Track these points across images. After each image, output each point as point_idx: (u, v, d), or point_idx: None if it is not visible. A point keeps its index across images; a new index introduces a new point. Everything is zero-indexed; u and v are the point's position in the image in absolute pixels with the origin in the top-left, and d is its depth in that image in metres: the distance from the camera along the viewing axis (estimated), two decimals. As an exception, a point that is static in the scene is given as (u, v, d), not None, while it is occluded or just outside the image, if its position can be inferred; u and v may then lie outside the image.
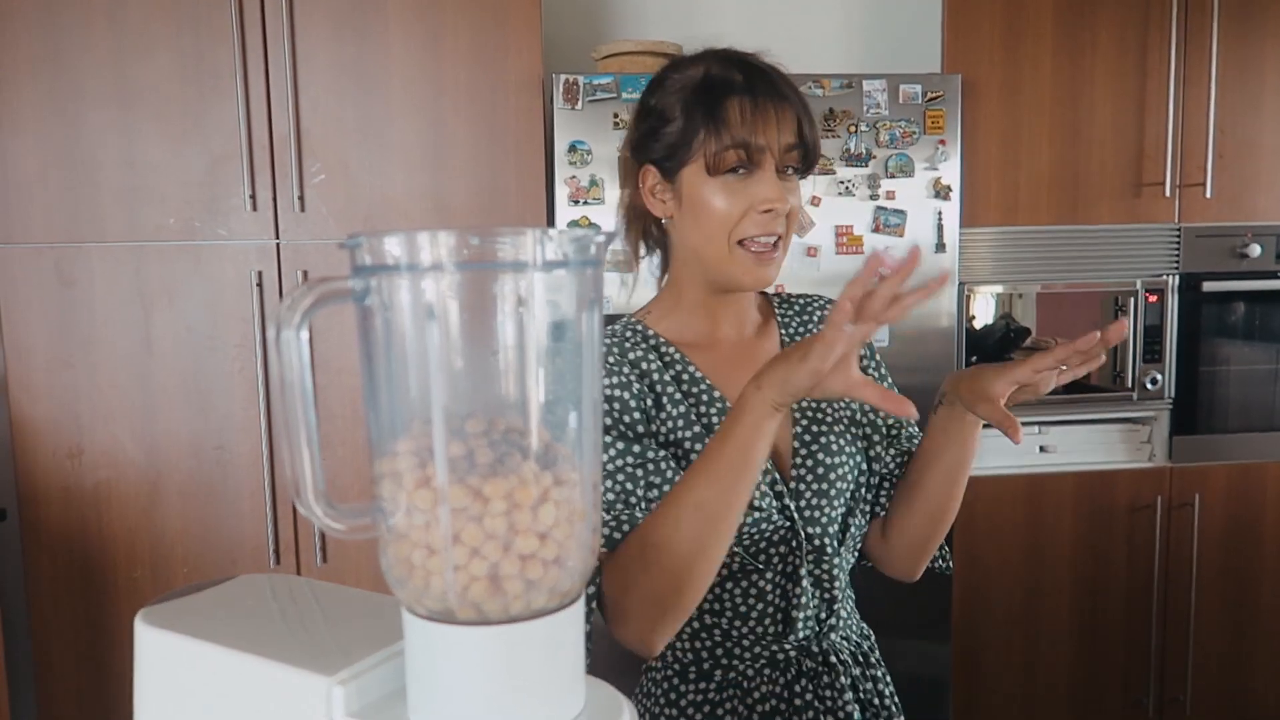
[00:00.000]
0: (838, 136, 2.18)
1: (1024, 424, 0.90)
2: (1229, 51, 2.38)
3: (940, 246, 2.24)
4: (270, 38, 2.01)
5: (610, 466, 0.94)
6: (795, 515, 0.99)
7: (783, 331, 1.09)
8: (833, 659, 1.02)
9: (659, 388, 0.99)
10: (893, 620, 2.34)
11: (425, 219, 2.09)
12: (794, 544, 0.98)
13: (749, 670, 1.00)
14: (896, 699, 1.09)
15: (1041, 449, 2.42)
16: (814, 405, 1.04)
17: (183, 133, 2.01)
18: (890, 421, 1.10)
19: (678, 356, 1.02)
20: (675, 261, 1.04)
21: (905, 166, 2.21)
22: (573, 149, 2.09)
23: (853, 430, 1.05)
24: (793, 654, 1.01)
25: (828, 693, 1.01)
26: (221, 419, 2.07)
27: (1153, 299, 2.41)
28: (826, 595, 1.02)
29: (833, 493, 1.00)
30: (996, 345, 2.39)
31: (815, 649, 1.02)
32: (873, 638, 1.11)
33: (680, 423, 0.98)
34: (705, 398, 1.00)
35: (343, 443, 2.09)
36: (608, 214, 2.09)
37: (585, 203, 2.11)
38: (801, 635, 1.01)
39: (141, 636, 0.50)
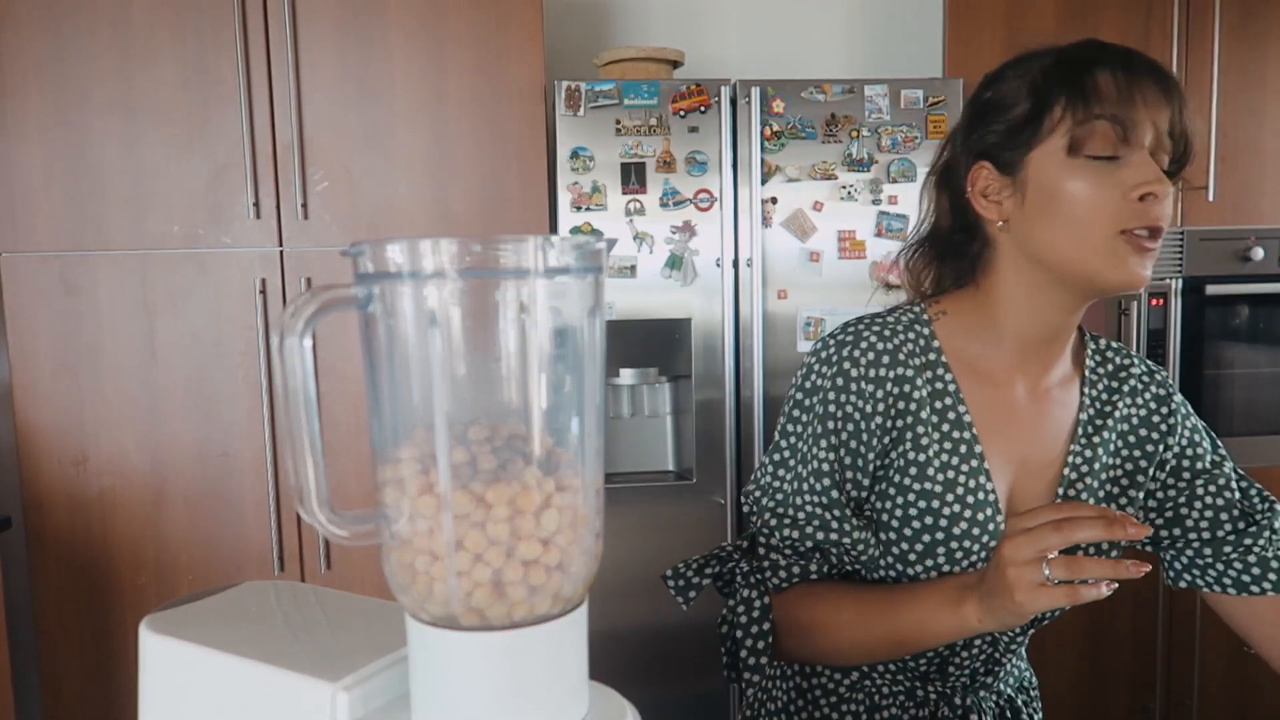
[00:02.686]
0: (839, 141, 2.19)
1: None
2: (1231, 55, 2.38)
3: (943, 251, 2.23)
4: (273, 46, 2.02)
5: (808, 496, 0.85)
6: None
7: (1086, 391, 0.91)
8: (973, 717, 0.93)
9: (909, 419, 0.85)
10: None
11: (428, 225, 2.09)
12: None
13: (885, 688, 0.93)
14: None
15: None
16: (1075, 491, 0.89)
17: (187, 141, 2.02)
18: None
19: (952, 389, 0.87)
20: (997, 272, 0.87)
21: (907, 171, 2.21)
22: (575, 155, 2.10)
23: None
24: (933, 696, 0.92)
25: None
26: (226, 425, 2.08)
27: (1156, 303, 2.41)
28: (992, 653, 0.92)
29: None
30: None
31: (959, 701, 0.93)
32: (1032, 690, 1.00)
33: (913, 471, 0.85)
34: (964, 449, 0.85)
35: (346, 449, 2.09)
36: (610, 220, 2.09)
37: (587, 209, 2.11)
38: (951, 683, 0.93)
39: (146, 643, 0.50)
